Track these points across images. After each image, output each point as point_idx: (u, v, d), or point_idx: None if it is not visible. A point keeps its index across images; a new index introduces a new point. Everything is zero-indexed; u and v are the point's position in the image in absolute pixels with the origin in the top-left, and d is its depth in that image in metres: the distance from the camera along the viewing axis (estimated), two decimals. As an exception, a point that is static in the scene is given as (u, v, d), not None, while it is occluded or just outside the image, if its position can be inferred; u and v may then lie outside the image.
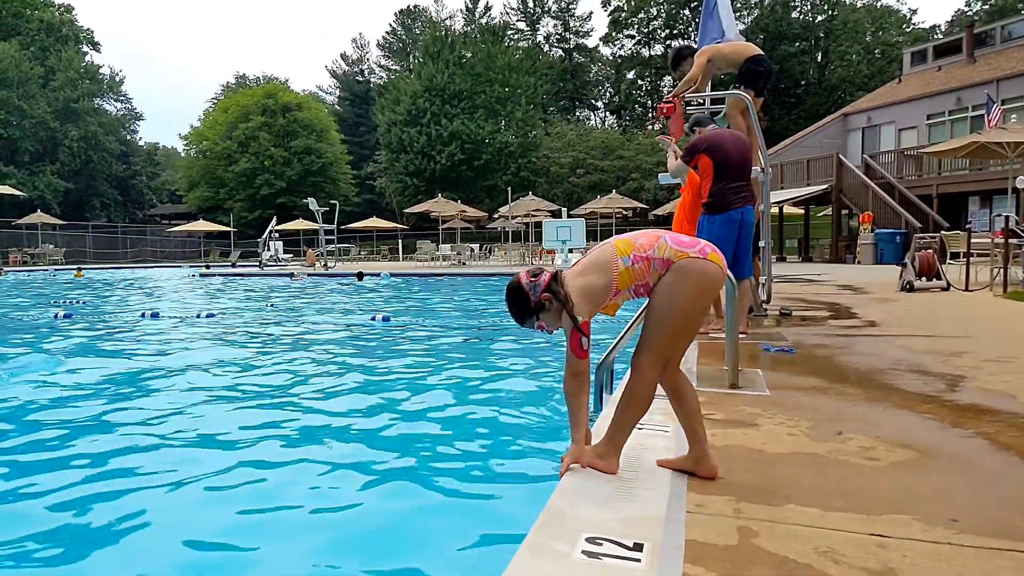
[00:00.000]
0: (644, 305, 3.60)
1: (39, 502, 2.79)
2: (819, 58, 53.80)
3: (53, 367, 5.79)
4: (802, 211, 27.77)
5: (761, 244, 5.51)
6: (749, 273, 5.10)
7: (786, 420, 2.91)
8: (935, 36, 47.11)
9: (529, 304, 2.21)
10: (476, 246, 33.07)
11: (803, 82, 53.18)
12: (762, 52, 6.15)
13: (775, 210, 25.18)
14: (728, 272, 3.30)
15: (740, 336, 3.93)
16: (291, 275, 21.13)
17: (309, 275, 21.31)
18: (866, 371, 4.03)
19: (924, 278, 9.95)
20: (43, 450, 3.49)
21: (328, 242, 28.27)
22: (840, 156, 23.73)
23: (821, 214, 29.20)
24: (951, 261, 11.58)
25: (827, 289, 10.67)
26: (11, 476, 3.12)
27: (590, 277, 2.23)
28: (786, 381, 3.71)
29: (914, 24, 53.02)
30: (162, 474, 3.08)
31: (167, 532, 2.49)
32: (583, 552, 1.68)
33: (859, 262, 20.62)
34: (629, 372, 2.27)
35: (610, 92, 65.72)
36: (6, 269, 27.03)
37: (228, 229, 42.84)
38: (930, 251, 10.20)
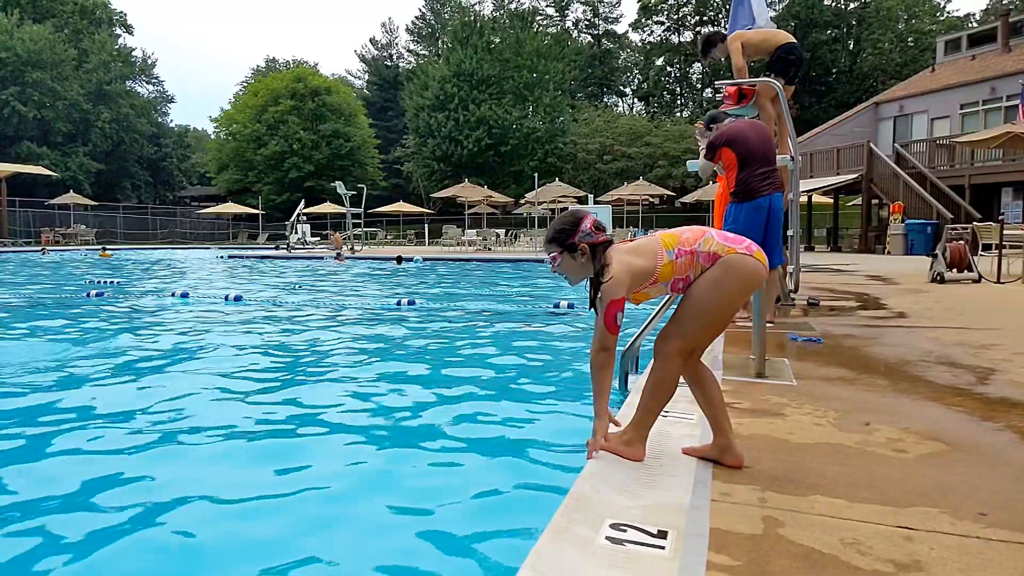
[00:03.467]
0: (667, 298, 3.59)
1: (70, 478, 2.86)
2: (851, 46, 52.64)
3: (81, 345, 5.91)
4: (831, 200, 27.37)
5: (789, 233, 5.44)
6: (779, 261, 5.05)
7: (813, 410, 2.89)
8: (969, 25, 45.89)
9: (567, 237, 2.27)
10: (502, 231, 33.08)
11: (834, 70, 52.13)
12: (794, 40, 6.04)
13: (804, 199, 24.83)
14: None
15: (767, 325, 3.90)
16: (336, 256, 21.32)
17: (348, 257, 21.47)
18: (895, 362, 3.98)
19: (955, 269, 9.78)
20: (69, 425, 3.58)
21: (355, 226, 28.44)
22: (871, 145, 23.31)
23: (851, 203, 28.75)
24: (983, 253, 11.34)
25: (856, 279, 10.53)
26: (42, 450, 3.20)
27: (635, 258, 2.25)
28: (813, 371, 3.68)
29: (948, 12, 51.62)
30: (190, 451, 3.14)
31: (190, 514, 2.54)
32: (607, 538, 1.69)
33: (889, 252, 20.29)
34: (655, 358, 2.27)
35: (639, 79, 65.02)
36: (48, 249, 27.61)
37: (256, 212, 43.27)
38: (961, 242, 10.01)
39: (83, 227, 36.91)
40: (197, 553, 2.25)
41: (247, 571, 2.08)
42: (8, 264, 20.09)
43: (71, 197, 37.44)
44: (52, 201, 37.81)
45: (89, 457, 3.10)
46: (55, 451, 3.19)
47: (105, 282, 13.27)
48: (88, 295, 10.42)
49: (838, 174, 24.06)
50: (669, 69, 61.51)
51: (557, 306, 8.71)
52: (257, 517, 2.47)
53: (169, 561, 2.21)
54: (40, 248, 28.68)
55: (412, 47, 67.54)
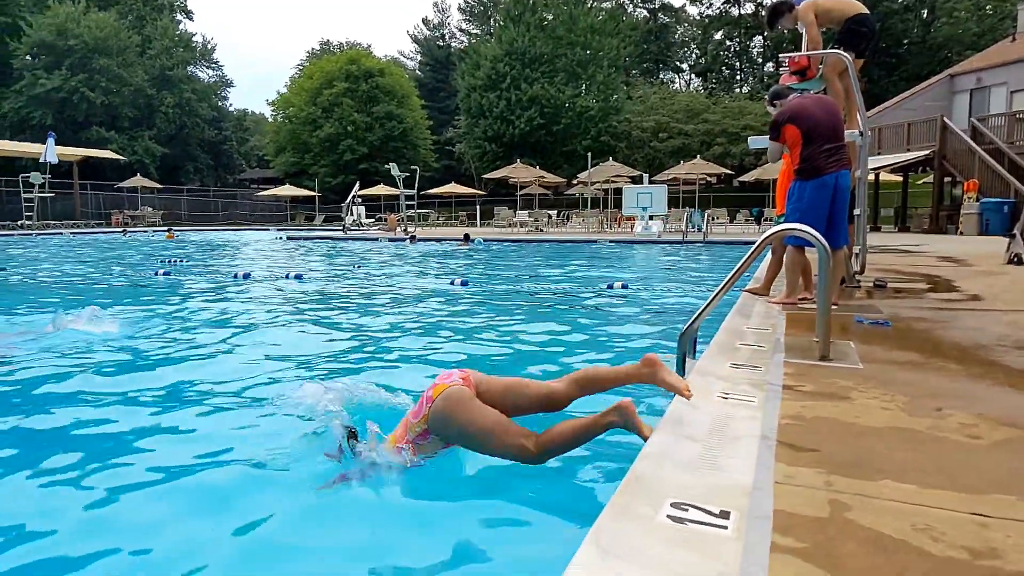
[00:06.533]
0: (728, 277, 3.52)
1: (136, 447, 2.99)
2: (924, 15, 50.25)
3: (152, 322, 6.15)
4: (900, 178, 26.33)
5: (856, 212, 5.27)
6: (845, 241, 4.90)
7: (880, 394, 2.80)
8: (1055, -11, 43.18)
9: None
10: (554, 212, 32.94)
11: (905, 41, 49.85)
12: (866, 10, 5.80)
13: (871, 177, 23.95)
14: (822, 241, 3.19)
15: (831, 308, 3.79)
16: (412, 238, 21.73)
17: (418, 239, 21.76)
18: (968, 346, 3.83)
19: (1034, 251, 9.30)
20: (137, 395, 3.74)
21: (409, 207, 28.73)
22: (945, 119, 22.28)
23: (921, 181, 27.62)
24: (1065, 233, 10.75)
25: (926, 260, 10.14)
26: (110, 422, 3.35)
27: None
28: (880, 355, 3.57)
29: (1031, -23, 48.75)
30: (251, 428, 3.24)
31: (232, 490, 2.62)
32: (668, 516, 1.68)
33: (961, 233, 19.45)
34: None
35: (696, 53, 63.55)
36: (129, 231, 28.77)
37: (313, 194, 44.08)
38: (1042, 222, 9.52)
39: (150, 209, 38.26)
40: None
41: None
42: (88, 246, 20.98)
43: (138, 180, 38.82)
44: (121, 184, 39.30)
45: (174, 420, 3.23)
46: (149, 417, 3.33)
47: (173, 262, 13.75)
48: (156, 274, 10.83)
49: (908, 151, 23.11)
50: (728, 43, 59.90)
51: (611, 286, 8.66)
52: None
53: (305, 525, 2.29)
54: (121, 229, 29.95)
55: (464, 26, 67.46)
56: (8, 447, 2.99)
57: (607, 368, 2.72)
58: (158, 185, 41.72)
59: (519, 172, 32.34)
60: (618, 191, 26.99)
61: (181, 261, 14.03)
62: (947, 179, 22.96)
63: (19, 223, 29.27)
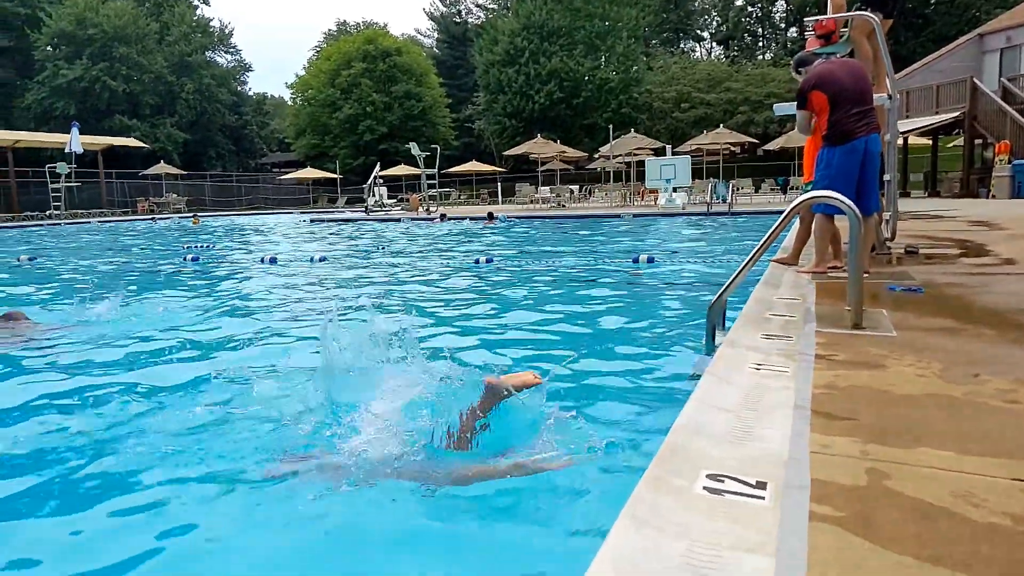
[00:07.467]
0: (757, 247, 3.48)
1: (171, 422, 3.05)
2: (951, -28, 48.75)
3: (186, 306, 6.25)
4: (929, 141, 25.72)
5: (886, 178, 5.17)
6: (876, 208, 4.81)
7: (915, 361, 2.76)
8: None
9: None
10: (576, 187, 32.72)
11: (932, 1, 48.46)
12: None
13: (899, 141, 23.41)
14: (853, 208, 3.13)
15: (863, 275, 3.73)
16: (441, 216, 21.80)
17: (439, 218, 21.86)
18: (1004, 311, 3.76)
19: (1071, 212, 9.07)
20: (174, 374, 3.80)
21: (430, 187, 28.70)
22: (975, 80, 21.68)
23: (951, 144, 26.96)
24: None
25: (957, 225, 9.94)
26: (140, 401, 3.42)
27: None
28: (914, 322, 3.52)
29: (1067, -73, 46.94)
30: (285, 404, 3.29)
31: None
32: (704, 488, 1.68)
33: (993, 196, 18.99)
34: None
35: (717, 21, 62.30)
36: (199, 216, 29.13)
37: (334, 176, 44.24)
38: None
39: (174, 196, 38.69)
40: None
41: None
42: (117, 233, 21.31)
43: (162, 167, 39.21)
44: (145, 172, 39.72)
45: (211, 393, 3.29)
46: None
47: (200, 247, 13.93)
48: (185, 259, 10.98)
49: (937, 113, 22.57)
50: (750, 9, 58.63)
51: (636, 260, 8.62)
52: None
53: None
54: (150, 216, 30.41)
55: (480, 1, 66.73)
56: (53, 432, 3.07)
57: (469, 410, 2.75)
58: (182, 171, 42.14)
59: (539, 147, 32.11)
60: (640, 164, 26.70)
61: (208, 246, 14.20)
62: (978, 141, 22.42)
63: (47, 213, 29.77)
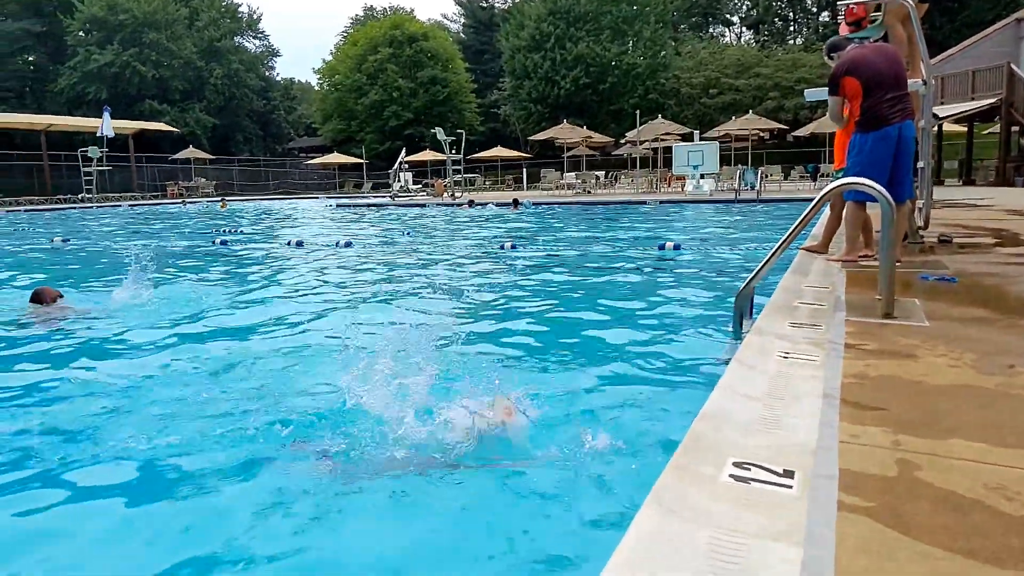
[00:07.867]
0: (787, 234, 3.44)
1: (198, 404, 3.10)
2: (990, -46, 47.35)
3: (215, 289, 6.33)
4: (964, 129, 25.13)
5: (920, 165, 5.05)
6: (910, 195, 4.70)
7: (948, 352, 2.72)
8: None
9: None
10: (601, 174, 32.50)
11: (969, -16, 47.14)
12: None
13: (933, 129, 22.91)
14: (885, 195, 3.08)
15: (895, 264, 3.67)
16: (470, 203, 21.88)
17: (467, 204, 21.90)
18: (1040, 303, 3.68)
19: (1112, 201, 8.83)
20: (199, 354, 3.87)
21: (455, 172, 28.68)
22: (1012, 65, 21.10)
23: (987, 132, 26.30)
24: None
25: (993, 214, 9.72)
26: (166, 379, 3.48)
27: None
28: (946, 312, 3.45)
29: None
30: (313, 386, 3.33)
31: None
32: (730, 476, 1.67)
33: (1030, 184, 18.55)
34: None
35: (747, 5, 61.21)
36: (227, 201, 29.50)
37: (360, 161, 44.41)
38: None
39: (203, 180, 39.14)
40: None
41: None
42: (148, 217, 21.64)
43: (191, 152, 39.65)
44: (175, 156, 40.16)
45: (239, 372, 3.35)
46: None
47: (228, 231, 14.09)
48: (214, 243, 11.13)
49: (972, 99, 22.02)
50: (781, -7, 57.53)
51: (663, 247, 8.55)
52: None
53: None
54: (181, 200, 30.79)
55: (507, -14, 66.25)
56: (88, 409, 3.14)
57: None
58: (210, 156, 42.58)
59: (565, 133, 31.90)
60: (667, 150, 26.44)
61: (237, 230, 14.37)
62: (1014, 128, 21.84)
63: (80, 196, 30.30)
